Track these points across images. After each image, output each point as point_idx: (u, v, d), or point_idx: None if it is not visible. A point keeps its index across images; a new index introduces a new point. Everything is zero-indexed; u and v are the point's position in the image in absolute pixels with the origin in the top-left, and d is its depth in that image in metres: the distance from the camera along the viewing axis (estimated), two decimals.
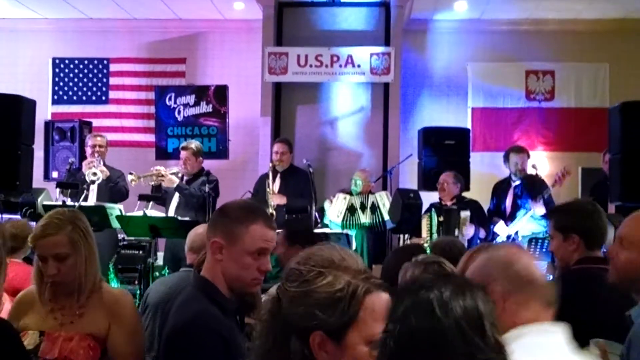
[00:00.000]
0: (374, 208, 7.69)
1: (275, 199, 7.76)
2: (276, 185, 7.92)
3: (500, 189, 7.99)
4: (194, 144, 7.95)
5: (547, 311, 1.88)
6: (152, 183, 7.72)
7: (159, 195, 7.60)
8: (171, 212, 7.46)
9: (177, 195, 7.62)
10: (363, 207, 7.73)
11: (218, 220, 2.48)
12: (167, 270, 6.86)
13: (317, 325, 1.58)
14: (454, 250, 3.78)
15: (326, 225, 7.63)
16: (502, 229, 7.55)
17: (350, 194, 7.91)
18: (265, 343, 1.64)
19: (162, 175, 7.65)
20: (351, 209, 7.68)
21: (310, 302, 1.59)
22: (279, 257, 4.59)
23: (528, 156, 7.97)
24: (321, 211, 7.84)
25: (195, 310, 2.33)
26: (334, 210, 7.67)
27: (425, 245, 6.69)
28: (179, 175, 7.75)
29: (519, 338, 1.76)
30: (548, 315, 1.88)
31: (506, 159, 7.96)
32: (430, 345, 1.30)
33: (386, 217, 7.59)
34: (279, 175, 7.99)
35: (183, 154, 7.82)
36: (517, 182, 7.74)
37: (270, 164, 8.03)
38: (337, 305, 1.59)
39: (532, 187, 7.54)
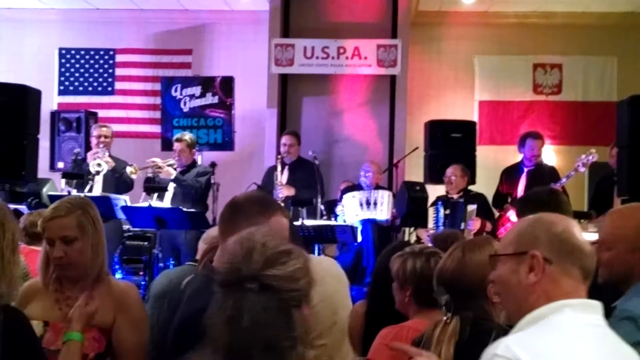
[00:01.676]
0: (375, 204, 7.69)
1: (284, 191, 7.77)
2: (284, 177, 7.95)
3: (511, 174, 7.99)
4: (187, 135, 7.99)
5: (584, 283, 1.89)
6: (149, 174, 7.75)
7: (165, 187, 7.62)
8: (167, 204, 7.48)
9: (171, 186, 7.63)
10: (367, 202, 7.72)
11: (236, 217, 2.44)
12: (172, 262, 6.88)
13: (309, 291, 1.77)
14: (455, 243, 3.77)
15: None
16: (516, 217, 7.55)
17: (355, 187, 7.89)
18: (270, 335, 1.65)
19: (160, 167, 7.68)
20: (361, 204, 7.67)
21: (306, 272, 1.75)
22: None
23: (543, 143, 8.01)
24: (328, 204, 7.84)
25: (206, 301, 2.32)
26: (351, 212, 7.62)
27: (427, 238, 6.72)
28: (175, 166, 7.78)
29: (558, 311, 1.82)
30: (585, 286, 1.89)
31: (522, 143, 7.96)
32: None
33: (379, 216, 7.58)
34: (286, 168, 8.00)
35: (177, 145, 7.86)
36: (532, 168, 7.77)
37: (279, 156, 8.05)
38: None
39: (540, 176, 7.56)
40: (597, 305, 1.88)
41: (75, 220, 2.77)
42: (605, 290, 2.60)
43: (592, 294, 1.91)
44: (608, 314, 2.45)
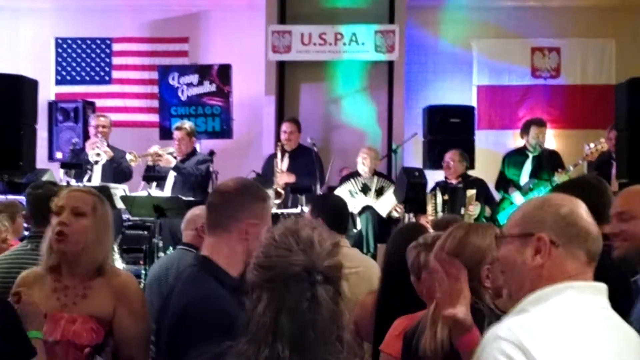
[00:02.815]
0: (379, 192, 7.66)
1: (284, 178, 7.78)
2: (284, 165, 7.96)
3: (515, 159, 8.00)
4: (187, 124, 7.99)
5: (590, 265, 1.87)
6: (149, 163, 7.75)
7: (164, 176, 7.61)
8: (167, 192, 7.49)
9: (172, 174, 7.63)
10: (366, 189, 7.68)
11: (244, 200, 2.47)
12: (171, 250, 6.87)
13: None
14: None
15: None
16: (520, 200, 7.58)
17: (354, 174, 7.87)
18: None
19: (159, 155, 7.68)
20: (353, 194, 7.64)
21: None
22: None
23: (546, 129, 8.08)
24: (329, 190, 7.82)
25: (202, 291, 2.32)
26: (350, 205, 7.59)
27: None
28: (175, 155, 7.78)
29: (561, 292, 1.81)
30: (590, 269, 1.87)
31: (525, 131, 7.97)
32: None
33: (378, 208, 7.56)
34: (287, 155, 8.01)
35: (177, 134, 7.86)
36: (536, 154, 7.76)
37: (279, 144, 8.05)
38: None
39: (545, 161, 7.58)
40: (602, 288, 1.87)
41: (92, 200, 2.82)
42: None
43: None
44: (626, 287, 2.42)
